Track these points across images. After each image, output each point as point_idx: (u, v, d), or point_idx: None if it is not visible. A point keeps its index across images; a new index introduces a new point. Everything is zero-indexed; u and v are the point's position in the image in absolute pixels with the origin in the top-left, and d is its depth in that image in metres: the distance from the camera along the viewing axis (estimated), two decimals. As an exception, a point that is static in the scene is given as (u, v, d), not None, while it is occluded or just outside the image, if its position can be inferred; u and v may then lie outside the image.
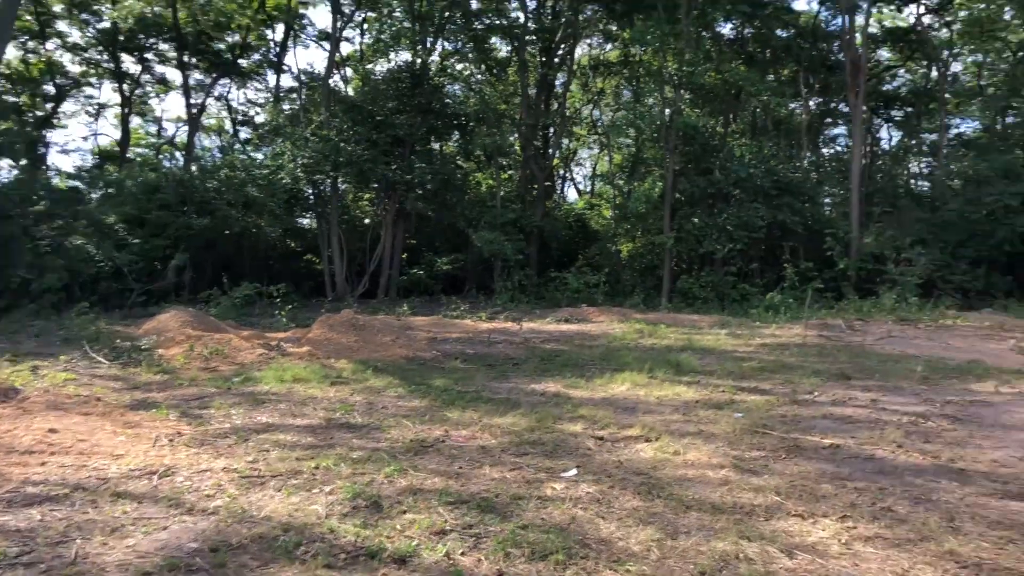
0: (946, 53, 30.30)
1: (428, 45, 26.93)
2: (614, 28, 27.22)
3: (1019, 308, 19.85)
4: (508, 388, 9.05)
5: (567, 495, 4.95)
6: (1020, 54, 29.65)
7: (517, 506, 4.73)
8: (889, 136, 34.96)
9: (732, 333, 14.94)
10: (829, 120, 32.99)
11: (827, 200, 28.71)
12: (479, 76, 27.74)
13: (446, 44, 27.87)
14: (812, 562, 3.91)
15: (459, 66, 27.37)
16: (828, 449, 6.25)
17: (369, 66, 27.82)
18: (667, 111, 24.77)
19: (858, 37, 25.73)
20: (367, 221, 27.40)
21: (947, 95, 30.18)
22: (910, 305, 19.15)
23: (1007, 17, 29.02)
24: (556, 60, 27.57)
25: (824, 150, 33.39)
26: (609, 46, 30.44)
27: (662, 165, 24.67)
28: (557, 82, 28.53)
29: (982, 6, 28.49)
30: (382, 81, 25.76)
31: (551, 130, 28.25)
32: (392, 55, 26.98)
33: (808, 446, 6.32)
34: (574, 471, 5.51)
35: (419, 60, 25.76)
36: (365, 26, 28.97)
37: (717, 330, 15.44)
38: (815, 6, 30.30)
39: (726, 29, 29.46)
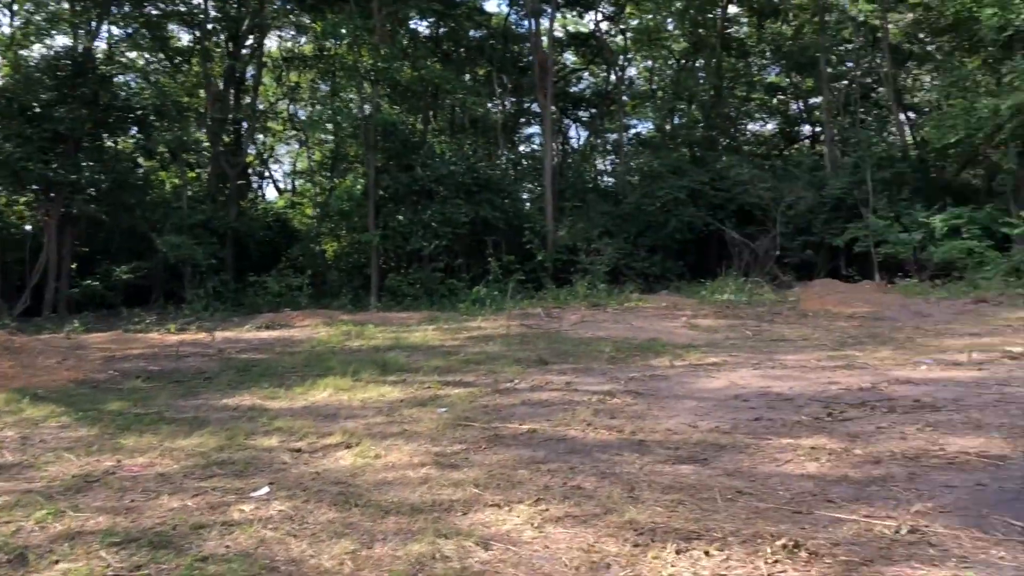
0: (622, 58, 33.41)
1: (93, 29, 24.00)
2: (306, 20, 26.34)
3: (689, 289, 22.42)
4: (196, 405, 8.27)
5: (256, 516, 4.52)
6: (683, 62, 33.56)
7: (198, 536, 4.23)
8: (578, 135, 37.79)
9: (440, 328, 15.11)
10: (524, 120, 34.87)
11: (525, 196, 30.35)
12: (157, 66, 25.29)
13: (115, 29, 25.06)
14: (506, 551, 3.88)
15: (132, 54, 24.78)
16: (526, 435, 6.37)
17: (22, 51, 24.23)
18: (366, 107, 24.58)
19: (545, 40, 27.41)
20: (27, 228, 23.94)
21: (625, 98, 33.32)
22: (600, 291, 20.72)
23: (670, 28, 32.72)
24: (245, 51, 26.02)
25: (521, 148, 35.25)
26: (303, 39, 29.46)
27: (364, 162, 24.45)
28: (248, 74, 26.96)
29: (649, 17, 31.81)
30: (37, 68, 22.58)
31: (244, 125, 26.66)
32: (49, 40, 23.73)
33: (507, 434, 6.41)
34: (266, 489, 5.09)
35: (82, 46, 22.88)
36: (15, 6, 25.17)
37: (425, 326, 15.54)
38: (505, 8, 31.82)
39: (422, 27, 29.94)
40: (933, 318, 14.84)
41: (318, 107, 25.91)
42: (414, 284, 23.06)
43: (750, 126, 36.64)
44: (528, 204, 28.95)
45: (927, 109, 30.05)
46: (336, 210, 23.86)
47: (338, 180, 25.48)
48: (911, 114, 31.13)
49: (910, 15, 28.39)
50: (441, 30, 29.57)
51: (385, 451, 5.93)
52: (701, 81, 31.93)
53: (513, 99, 33.05)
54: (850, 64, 30.97)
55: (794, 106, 35.58)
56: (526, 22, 29.65)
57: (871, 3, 28.03)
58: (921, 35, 28.70)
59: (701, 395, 7.84)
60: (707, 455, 5.54)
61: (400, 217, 23.65)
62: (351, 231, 24.44)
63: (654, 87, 34.38)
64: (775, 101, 35.26)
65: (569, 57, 35.29)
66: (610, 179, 33.62)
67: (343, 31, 23.33)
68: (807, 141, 35.58)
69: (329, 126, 25.30)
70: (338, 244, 25.38)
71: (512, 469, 5.34)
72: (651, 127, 34.91)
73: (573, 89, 35.30)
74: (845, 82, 30.85)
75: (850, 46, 30.21)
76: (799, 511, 4.28)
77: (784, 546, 3.72)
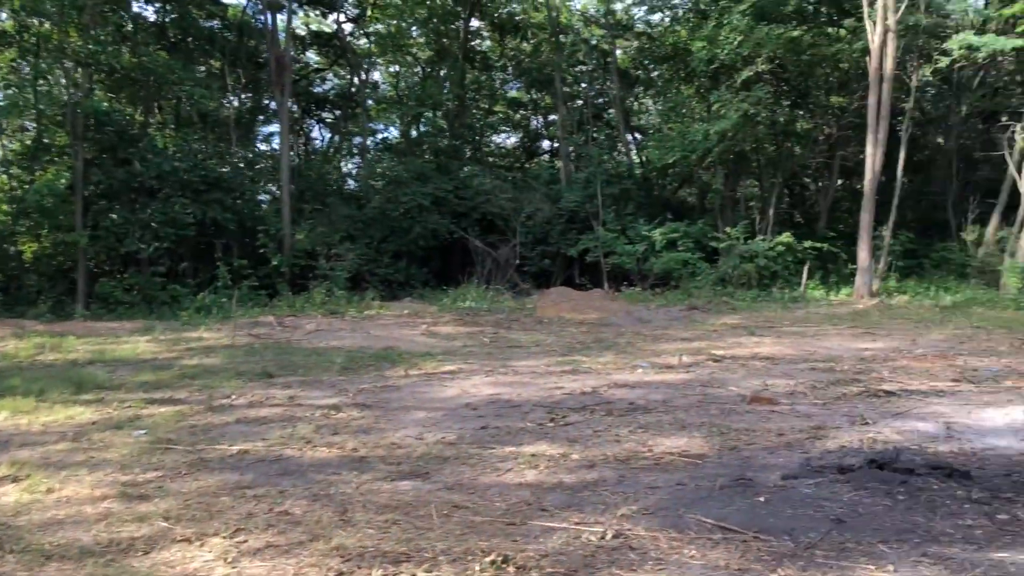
0: (367, 62, 32.90)
1: None
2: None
3: (433, 295, 22.57)
4: None
5: None
6: (428, 70, 33.78)
7: None
8: (322, 136, 36.59)
9: (155, 339, 13.72)
10: (262, 117, 33.13)
11: (262, 197, 28.75)
12: None
13: None
14: (192, 596, 3.40)
15: None
16: (235, 457, 5.83)
17: None
18: (78, 93, 21.96)
19: (283, 37, 26.23)
20: None
21: (370, 101, 32.84)
22: (339, 298, 20.11)
23: (415, 35, 32.81)
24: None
25: (261, 146, 33.43)
26: (3, 14, 25.68)
27: (71, 153, 21.79)
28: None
29: (393, 23, 31.65)
30: None
31: (-80, 106, 22.68)
32: None
33: (214, 457, 5.82)
34: None
35: None
36: None
37: (138, 337, 14.01)
38: (243, 1, 29.84)
39: (148, 12, 27.39)
40: (652, 324, 16.04)
41: (16, 90, 22.71)
42: (130, 290, 20.85)
43: (494, 138, 37.78)
44: (265, 206, 27.46)
45: (650, 131, 32.74)
46: (35, 206, 20.99)
47: (40, 173, 22.46)
48: (637, 135, 33.76)
49: (636, 43, 30.82)
50: (169, 17, 27.22)
51: (61, 484, 5.14)
52: (445, 91, 32.31)
53: (249, 95, 31.27)
54: (584, 85, 32.97)
55: (534, 121, 37.18)
56: (264, 16, 28.20)
57: (601, 28, 30.04)
58: (645, 62, 31.21)
59: (432, 405, 7.69)
60: (429, 469, 5.36)
61: (114, 216, 21.28)
62: (54, 230, 21.60)
63: (400, 93, 34.27)
64: (517, 116, 36.65)
65: (312, 56, 34.17)
66: (354, 182, 32.89)
67: (49, 6, 20.63)
68: (546, 156, 37.32)
69: (29, 112, 22.25)
70: (38, 245, 22.32)
71: (213, 497, 4.82)
72: (396, 133, 34.73)
73: (317, 89, 34.21)
74: (580, 102, 32.77)
75: (584, 68, 32.14)
76: (513, 523, 4.19)
77: (493, 562, 3.59)
